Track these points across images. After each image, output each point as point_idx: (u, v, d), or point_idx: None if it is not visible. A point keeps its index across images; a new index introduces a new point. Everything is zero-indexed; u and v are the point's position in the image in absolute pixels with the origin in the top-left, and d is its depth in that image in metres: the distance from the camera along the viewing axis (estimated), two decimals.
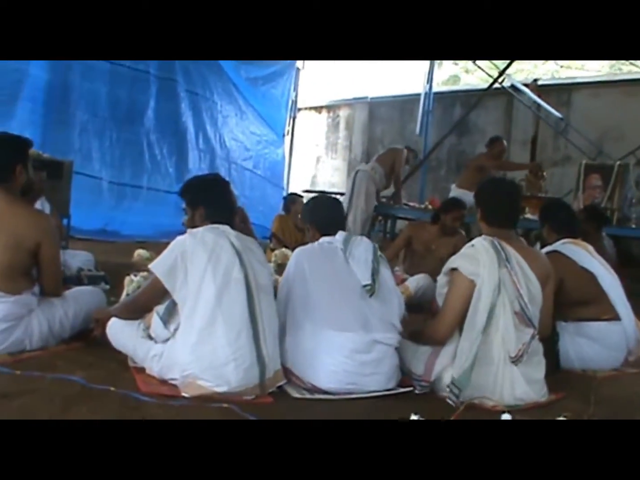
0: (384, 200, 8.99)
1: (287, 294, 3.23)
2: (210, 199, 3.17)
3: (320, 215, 3.51)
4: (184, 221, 3.25)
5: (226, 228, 3.07)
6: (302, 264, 3.25)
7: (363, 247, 3.31)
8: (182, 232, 3.05)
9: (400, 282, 5.28)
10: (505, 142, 8.61)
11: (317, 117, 14.89)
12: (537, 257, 3.35)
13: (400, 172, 8.89)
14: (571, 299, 3.95)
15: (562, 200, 6.32)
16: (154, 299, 3.05)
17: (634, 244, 9.41)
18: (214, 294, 2.83)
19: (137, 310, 3.18)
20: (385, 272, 3.30)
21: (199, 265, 2.86)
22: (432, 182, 11.96)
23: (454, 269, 3.17)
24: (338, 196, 7.37)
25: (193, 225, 3.11)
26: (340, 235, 3.35)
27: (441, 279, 3.31)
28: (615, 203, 8.35)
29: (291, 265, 3.32)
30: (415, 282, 5.34)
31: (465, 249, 3.23)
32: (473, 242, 3.23)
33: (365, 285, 3.15)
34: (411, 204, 9.15)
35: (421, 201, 9.84)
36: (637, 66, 12.25)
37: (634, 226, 7.70)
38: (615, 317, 3.96)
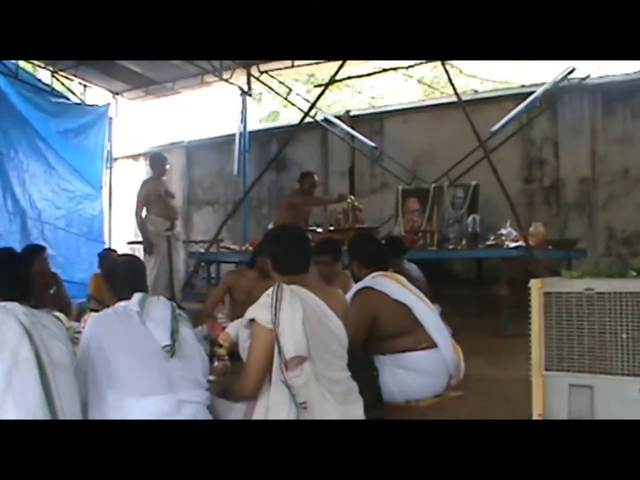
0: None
1: (85, 367, 3.09)
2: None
3: (116, 278, 3.40)
4: None
5: (14, 305, 2.87)
6: (97, 333, 3.13)
7: (160, 308, 3.24)
8: None
9: (221, 330, 5.24)
10: (315, 177, 8.69)
11: (135, 166, 14.56)
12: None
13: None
14: (387, 332, 4.04)
15: (370, 233, 6.54)
16: None
17: (456, 264, 9.79)
18: (2, 376, 2.64)
19: None
20: (185, 330, 3.24)
21: None
22: (255, 221, 12.00)
23: (252, 320, 3.13)
24: None
25: None
26: (135, 297, 3.24)
27: (243, 332, 3.26)
28: (434, 225, 8.78)
29: (86, 335, 3.19)
30: (235, 328, 5.28)
31: (261, 299, 3.16)
32: (268, 291, 3.16)
33: (165, 346, 3.08)
34: (232, 246, 9.07)
35: (245, 243, 9.64)
36: (444, 93, 13.02)
37: (451, 247, 7.90)
38: (432, 345, 4.03)
